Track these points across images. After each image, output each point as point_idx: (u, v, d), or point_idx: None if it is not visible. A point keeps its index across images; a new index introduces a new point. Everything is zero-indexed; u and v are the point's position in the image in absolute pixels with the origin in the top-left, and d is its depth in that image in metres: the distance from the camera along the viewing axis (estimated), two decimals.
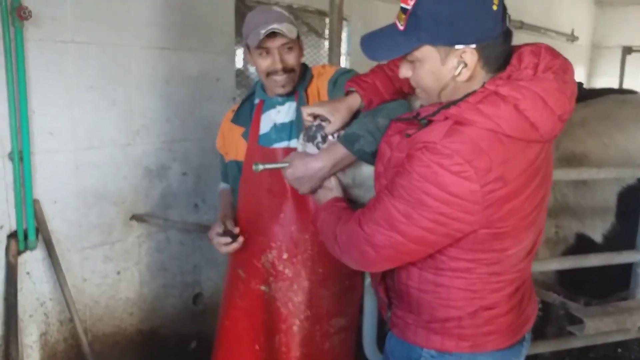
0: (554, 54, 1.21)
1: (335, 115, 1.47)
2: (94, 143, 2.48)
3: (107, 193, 2.56)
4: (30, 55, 2.19)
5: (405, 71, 1.24)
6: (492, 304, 1.29)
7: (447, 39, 1.13)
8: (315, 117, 1.49)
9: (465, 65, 1.15)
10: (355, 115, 1.52)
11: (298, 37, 1.73)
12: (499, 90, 1.12)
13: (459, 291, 1.27)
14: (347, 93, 1.54)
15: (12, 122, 2.16)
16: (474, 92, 1.16)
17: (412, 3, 1.13)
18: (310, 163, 1.46)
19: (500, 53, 1.18)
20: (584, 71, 7.87)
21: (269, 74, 1.72)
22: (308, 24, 3.71)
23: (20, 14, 2.06)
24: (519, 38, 1.28)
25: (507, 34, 1.18)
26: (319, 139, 1.47)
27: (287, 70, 1.71)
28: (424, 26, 1.13)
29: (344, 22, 3.42)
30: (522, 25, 5.90)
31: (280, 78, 1.72)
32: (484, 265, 1.24)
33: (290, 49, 1.70)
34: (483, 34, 1.13)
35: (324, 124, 1.48)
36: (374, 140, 1.41)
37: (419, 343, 1.34)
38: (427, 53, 1.16)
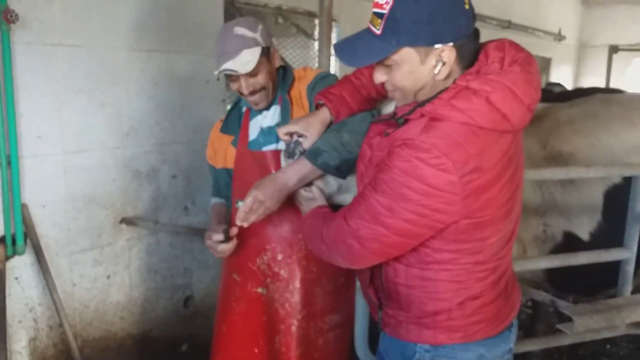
0: (518, 47, 1.26)
1: (310, 130, 1.53)
2: (83, 146, 2.46)
3: (96, 196, 2.55)
4: (17, 59, 2.17)
5: (380, 76, 1.27)
6: (478, 293, 1.33)
7: (426, 39, 1.17)
8: (291, 134, 1.55)
9: (444, 63, 1.19)
10: (329, 126, 1.58)
11: (267, 50, 1.72)
12: (470, 85, 1.17)
13: (445, 283, 1.30)
14: (318, 106, 1.59)
15: None
16: (446, 89, 1.20)
17: (387, 7, 1.16)
18: (278, 177, 1.53)
19: (473, 50, 1.23)
20: (571, 70, 7.94)
21: (240, 94, 1.76)
22: (297, 25, 3.71)
23: (7, 17, 2.04)
24: (507, 38, 1.31)
25: (476, 32, 1.24)
26: (298, 154, 1.54)
27: (255, 92, 1.73)
28: (404, 29, 1.16)
29: (333, 23, 3.43)
30: (509, 25, 5.94)
31: (252, 98, 1.75)
32: (466, 255, 1.28)
33: (253, 75, 1.70)
34: (459, 32, 1.18)
35: (300, 139, 1.54)
36: (338, 154, 1.48)
37: (412, 339, 1.37)
38: (406, 55, 1.19)
